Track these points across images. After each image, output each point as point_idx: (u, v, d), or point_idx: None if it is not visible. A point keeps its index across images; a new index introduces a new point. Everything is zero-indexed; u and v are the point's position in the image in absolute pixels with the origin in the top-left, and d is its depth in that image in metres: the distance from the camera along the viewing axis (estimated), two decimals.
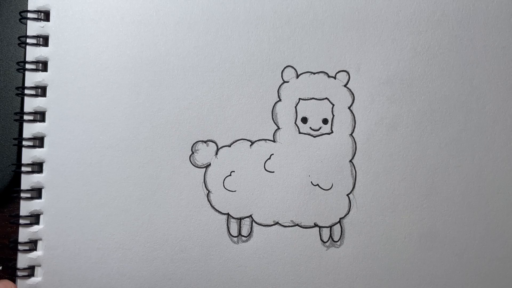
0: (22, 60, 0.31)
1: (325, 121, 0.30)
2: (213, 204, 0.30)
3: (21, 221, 0.30)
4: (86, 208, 0.30)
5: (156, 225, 0.30)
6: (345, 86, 0.30)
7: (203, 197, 0.30)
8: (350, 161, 0.30)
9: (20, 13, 0.31)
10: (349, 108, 0.30)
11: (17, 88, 0.31)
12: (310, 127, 0.30)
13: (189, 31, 0.30)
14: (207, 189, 0.30)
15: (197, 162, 0.30)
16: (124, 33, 0.30)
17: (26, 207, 0.30)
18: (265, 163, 0.30)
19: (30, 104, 0.30)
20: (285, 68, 0.30)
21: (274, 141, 0.30)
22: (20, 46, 0.31)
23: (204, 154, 0.30)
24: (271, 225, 0.30)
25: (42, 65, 0.31)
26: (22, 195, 0.30)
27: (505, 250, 0.30)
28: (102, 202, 0.30)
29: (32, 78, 0.30)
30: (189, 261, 0.30)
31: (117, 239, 0.30)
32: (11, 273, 0.30)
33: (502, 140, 0.30)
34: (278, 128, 0.30)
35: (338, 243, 0.30)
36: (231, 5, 0.30)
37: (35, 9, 0.31)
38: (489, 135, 0.30)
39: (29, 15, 0.31)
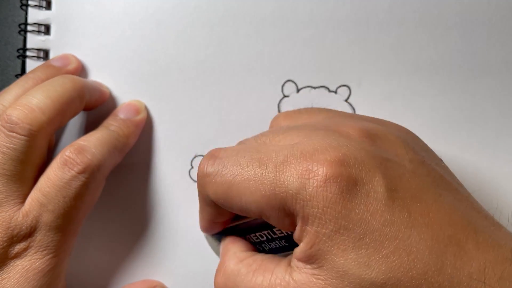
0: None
1: None
2: None
3: None
4: None
5: (155, 240, 0.30)
6: (346, 101, 0.30)
7: None
8: None
9: (19, 25, 0.31)
10: None
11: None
12: None
13: (189, 45, 0.30)
14: None
15: (196, 177, 0.30)
16: (125, 48, 0.30)
17: None
18: None
19: None
20: (285, 82, 0.30)
21: None
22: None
23: None
24: None
25: None
26: None
27: None
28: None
29: None
30: (188, 276, 0.30)
31: (115, 254, 0.30)
32: None
33: (505, 157, 0.29)
34: None
35: None
36: (231, 19, 0.30)
37: (35, 22, 0.31)
38: (492, 152, 0.29)
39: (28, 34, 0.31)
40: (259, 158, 0.20)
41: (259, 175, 0.19)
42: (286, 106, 0.30)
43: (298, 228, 0.19)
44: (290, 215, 0.19)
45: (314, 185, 0.18)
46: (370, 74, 0.30)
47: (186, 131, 0.30)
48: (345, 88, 0.30)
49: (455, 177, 0.22)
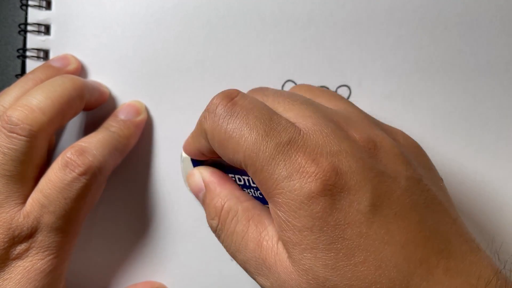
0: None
1: None
2: None
3: None
4: None
5: (155, 240, 0.30)
6: None
7: (202, 213, 0.30)
8: None
9: (19, 25, 0.31)
10: None
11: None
12: None
13: (189, 46, 0.30)
14: None
15: None
16: (125, 48, 0.30)
17: None
18: None
19: None
20: (285, 82, 0.30)
21: None
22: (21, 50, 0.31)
23: None
24: None
25: None
26: None
27: None
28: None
29: None
30: (187, 276, 0.30)
31: (115, 255, 0.30)
32: None
33: (505, 156, 0.30)
34: None
35: None
36: (231, 19, 0.30)
37: (36, 22, 0.31)
38: (492, 152, 0.30)
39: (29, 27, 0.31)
40: (267, 129, 0.20)
41: (258, 144, 0.20)
42: None
43: (271, 206, 0.20)
44: (269, 192, 0.20)
45: (300, 178, 0.19)
46: (370, 74, 0.30)
47: (186, 131, 0.30)
48: (345, 88, 0.30)
49: (450, 199, 0.22)
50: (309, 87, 0.27)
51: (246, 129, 0.20)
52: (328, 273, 0.18)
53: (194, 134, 0.24)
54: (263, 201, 0.23)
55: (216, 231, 0.23)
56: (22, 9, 0.31)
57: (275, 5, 0.30)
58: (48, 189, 0.24)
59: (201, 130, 0.23)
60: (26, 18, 0.31)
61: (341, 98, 0.26)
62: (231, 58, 0.30)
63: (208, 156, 0.25)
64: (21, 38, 0.31)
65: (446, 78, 0.30)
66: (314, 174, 0.18)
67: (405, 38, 0.30)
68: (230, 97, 0.22)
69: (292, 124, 0.21)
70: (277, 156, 0.19)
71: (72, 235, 0.26)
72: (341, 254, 0.18)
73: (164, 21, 0.30)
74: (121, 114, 0.29)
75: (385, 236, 0.18)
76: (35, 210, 0.24)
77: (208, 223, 0.24)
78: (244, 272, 0.30)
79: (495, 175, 0.29)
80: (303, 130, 0.20)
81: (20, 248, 0.24)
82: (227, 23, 0.30)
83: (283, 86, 0.30)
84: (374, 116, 0.30)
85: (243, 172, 0.23)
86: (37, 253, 0.24)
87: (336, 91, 0.30)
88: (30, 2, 0.31)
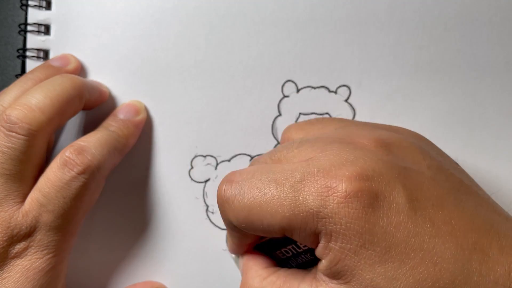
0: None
1: None
2: (212, 219, 0.30)
3: None
4: None
5: (155, 240, 0.30)
6: (346, 101, 0.30)
7: (202, 213, 0.30)
8: None
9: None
10: None
11: None
12: None
13: (189, 46, 0.30)
14: (206, 204, 0.30)
15: (196, 177, 0.30)
16: (125, 48, 0.30)
17: None
18: None
19: None
20: (285, 82, 0.30)
21: None
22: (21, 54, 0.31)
23: (204, 169, 0.30)
24: None
25: None
26: None
27: None
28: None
29: None
30: (187, 276, 0.30)
31: (115, 255, 0.30)
32: None
33: (505, 157, 0.29)
34: (278, 143, 0.30)
35: None
36: (231, 19, 0.30)
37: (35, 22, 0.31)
38: (492, 152, 0.29)
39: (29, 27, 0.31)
40: (276, 179, 0.19)
41: (277, 196, 0.19)
42: (286, 106, 0.30)
43: (321, 245, 0.18)
44: (313, 233, 0.19)
45: (334, 202, 0.18)
46: (370, 74, 0.30)
47: (186, 131, 0.30)
48: (345, 88, 0.30)
49: (474, 181, 0.22)
50: (298, 126, 0.27)
51: (258, 192, 0.20)
52: (391, 286, 0.17)
53: (227, 232, 0.24)
54: (306, 265, 0.22)
55: None
56: (22, 9, 0.31)
57: (275, 5, 0.30)
58: (47, 188, 0.24)
59: (226, 223, 0.22)
60: (26, 18, 0.31)
61: (331, 119, 0.26)
62: (231, 58, 0.30)
63: (248, 245, 0.24)
64: (21, 38, 0.31)
65: (446, 78, 0.30)
66: (344, 190, 0.18)
67: (405, 38, 0.30)
68: (230, 179, 0.21)
69: (298, 162, 0.20)
70: (300, 195, 0.19)
71: (71, 234, 0.25)
72: (397, 261, 0.17)
73: (164, 21, 0.30)
74: (121, 113, 0.29)
75: (432, 230, 0.17)
76: (34, 209, 0.24)
77: None
78: None
79: (495, 175, 0.29)
80: (311, 159, 0.20)
81: (19, 247, 0.24)
82: (227, 23, 0.30)
83: (283, 86, 0.30)
84: (374, 116, 0.30)
85: (285, 241, 0.22)
86: (35, 252, 0.24)
87: (336, 91, 0.30)
88: (30, 2, 0.31)
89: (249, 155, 0.30)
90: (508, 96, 0.30)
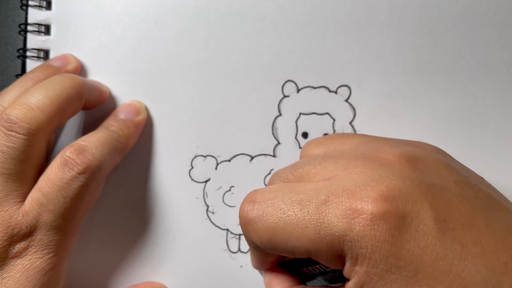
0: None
1: None
2: (213, 219, 0.30)
3: None
4: None
5: (155, 240, 0.30)
6: (346, 101, 0.30)
7: (202, 213, 0.30)
8: None
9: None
10: (350, 123, 0.30)
11: None
12: None
13: (189, 45, 0.30)
14: (206, 204, 0.30)
15: (196, 177, 0.30)
16: (125, 48, 0.30)
17: None
18: (265, 178, 0.30)
19: None
20: (285, 82, 0.30)
21: (274, 156, 0.30)
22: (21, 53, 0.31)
23: (204, 169, 0.30)
24: None
25: None
26: None
27: None
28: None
29: None
30: (187, 276, 0.30)
31: (115, 254, 0.30)
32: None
33: (505, 156, 0.29)
34: (278, 143, 0.30)
35: None
36: (231, 19, 0.30)
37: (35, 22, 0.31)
38: (492, 152, 0.29)
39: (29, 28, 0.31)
40: (299, 200, 0.19)
41: (301, 218, 0.19)
42: (286, 106, 0.30)
43: (347, 267, 0.18)
44: (338, 256, 0.18)
45: (361, 224, 0.17)
46: (370, 74, 0.30)
47: (186, 131, 0.30)
48: (345, 88, 0.30)
49: (502, 194, 0.21)
50: (317, 141, 0.27)
51: (282, 214, 0.19)
52: None
53: (250, 252, 0.24)
54: (335, 280, 0.22)
55: None
56: (22, 9, 0.31)
57: (275, 5, 0.30)
58: (47, 188, 0.24)
59: (249, 243, 0.22)
60: (26, 18, 0.31)
61: (351, 134, 0.25)
62: (231, 58, 0.30)
63: (272, 262, 0.24)
64: (21, 38, 0.31)
65: (446, 78, 0.30)
66: (370, 212, 0.17)
67: (405, 38, 0.30)
68: (252, 199, 0.21)
69: (321, 181, 0.20)
70: (325, 217, 0.18)
71: (71, 233, 0.25)
72: (425, 285, 0.17)
73: (164, 21, 0.30)
74: (121, 113, 0.29)
75: (461, 252, 0.17)
76: (34, 208, 0.24)
77: None
78: (244, 272, 0.29)
79: (495, 175, 0.29)
80: (335, 177, 0.19)
81: (19, 246, 0.24)
82: (227, 23, 0.30)
83: (283, 86, 0.30)
84: (375, 116, 0.30)
85: (312, 260, 0.22)
86: (36, 252, 0.24)
87: (336, 91, 0.30)
88: (30, 2, 0.31)
89: (249, 155, 0.30)
90: (508, 96, 0.30)
